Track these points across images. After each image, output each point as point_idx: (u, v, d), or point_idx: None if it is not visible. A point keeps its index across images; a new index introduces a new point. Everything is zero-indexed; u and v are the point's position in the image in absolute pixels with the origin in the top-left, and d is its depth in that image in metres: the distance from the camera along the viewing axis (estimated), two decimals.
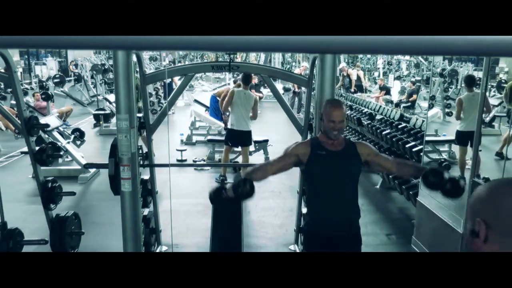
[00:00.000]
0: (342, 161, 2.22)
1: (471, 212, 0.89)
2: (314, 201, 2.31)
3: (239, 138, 5.78)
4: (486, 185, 0.90)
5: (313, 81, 3.36)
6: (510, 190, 0.85)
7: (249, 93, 5.85)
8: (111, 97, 9.15)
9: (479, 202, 0.87)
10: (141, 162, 3.19)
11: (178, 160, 6.70)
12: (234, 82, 5.97)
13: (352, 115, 7.18)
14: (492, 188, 0.87)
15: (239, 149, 6.88)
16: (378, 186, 5.61)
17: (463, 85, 12.20)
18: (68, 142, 6.15)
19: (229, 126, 5.82)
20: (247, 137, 5.83)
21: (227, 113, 5.81)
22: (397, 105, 10.58)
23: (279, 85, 11.69)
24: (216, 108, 8.03)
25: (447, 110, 9.64)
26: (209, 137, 7.26)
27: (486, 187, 0.89)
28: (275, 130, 8.69)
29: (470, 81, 5.50)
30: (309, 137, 3.66)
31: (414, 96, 10.66)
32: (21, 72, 13.74)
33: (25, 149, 3.46)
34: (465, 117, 5.04)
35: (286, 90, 11.86)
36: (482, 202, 0.86)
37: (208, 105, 9.06)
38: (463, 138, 4.87)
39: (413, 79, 12.01)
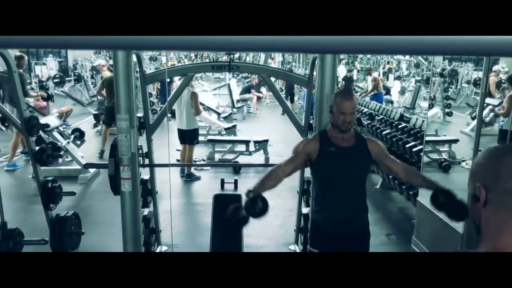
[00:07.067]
0: (352, 158, 2.17)
1: (471, 177, 0.93)
2: (322, 198, 2.26)
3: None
4: (484, 151, 0.94)
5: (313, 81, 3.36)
6: (506, 153, 0.89)
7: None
8: None
9: (478, 167, 0.91)
10: (141, 162, 3.19)
11: (178, 160, 6.70)
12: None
13: None
14: (490, 153, 0.91)
15: (238, 148, 6.90)
16: (378, 186, 5.61)
17: (464, 85, 12.24)
18: (68, 142, 6.14)
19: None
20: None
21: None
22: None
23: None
24: None
25: (447, 110, 9.64)
26: (209, 137, 7.26)
27: (484, 153, 0.92)
28: (275, 130, 8.70)
29: None
30: (309, 137, 3.66)
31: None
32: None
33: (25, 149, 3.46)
34: None
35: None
36: (481, 167, 0.91)
37: (208, 105, 9.06)
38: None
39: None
